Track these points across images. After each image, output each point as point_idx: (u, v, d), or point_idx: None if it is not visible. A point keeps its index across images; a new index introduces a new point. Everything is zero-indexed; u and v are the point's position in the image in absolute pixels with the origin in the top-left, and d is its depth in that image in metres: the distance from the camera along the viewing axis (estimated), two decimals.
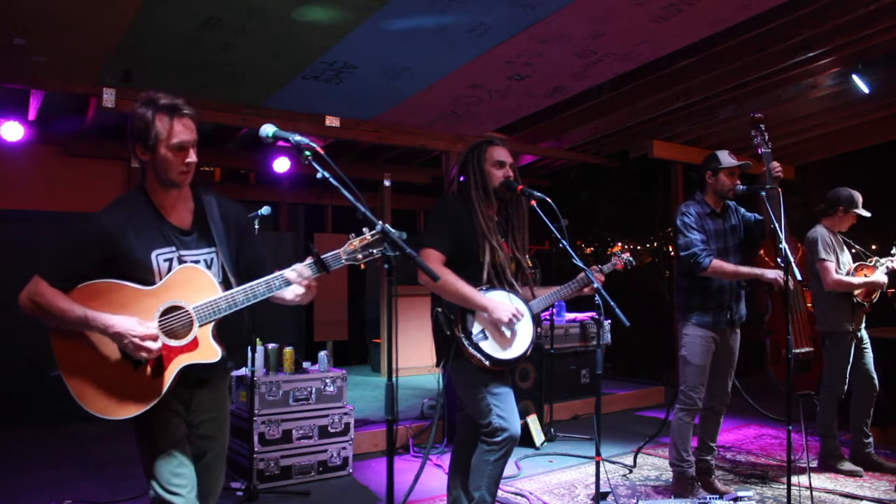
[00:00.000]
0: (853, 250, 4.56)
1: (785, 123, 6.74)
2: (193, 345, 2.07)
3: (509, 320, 2.79)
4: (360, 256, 2.08)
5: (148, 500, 2.17)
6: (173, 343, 2.06)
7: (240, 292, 2.10)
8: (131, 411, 2.04)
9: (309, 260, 2.13)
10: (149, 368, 2.04)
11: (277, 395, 4.30)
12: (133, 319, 2.01)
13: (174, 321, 2.07)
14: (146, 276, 2.07)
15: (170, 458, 2.11)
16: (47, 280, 2.03)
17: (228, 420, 2.42)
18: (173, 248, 2.12)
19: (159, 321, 2.05)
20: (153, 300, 2.06)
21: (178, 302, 2.07)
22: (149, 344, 1.99)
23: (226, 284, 2.19)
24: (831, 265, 4.32)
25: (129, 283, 2.05)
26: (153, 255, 2.08)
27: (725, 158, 3.85)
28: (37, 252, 5.90)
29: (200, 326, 2.07)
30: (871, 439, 4.50)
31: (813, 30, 4.62)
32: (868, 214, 4.47)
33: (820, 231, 4.43)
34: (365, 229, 2.10)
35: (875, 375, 4.46)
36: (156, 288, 2.07)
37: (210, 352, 2.09)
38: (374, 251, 2.08)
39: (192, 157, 2.10)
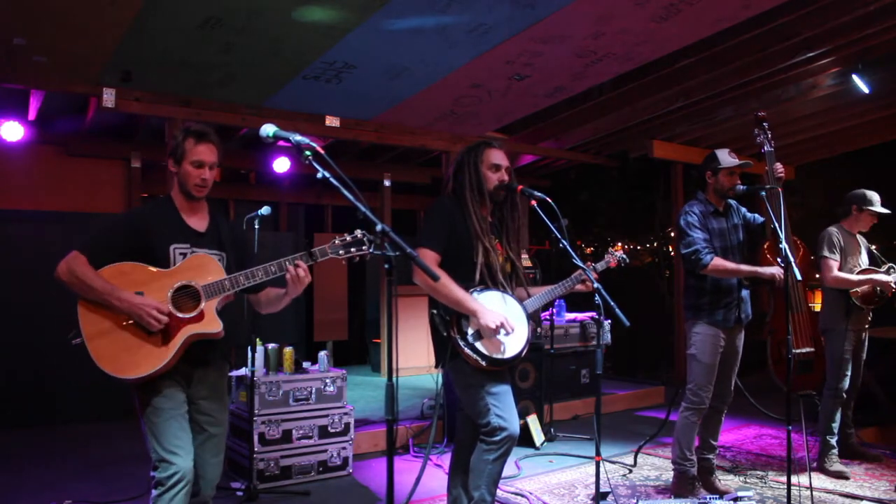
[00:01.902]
0: (866, 253, 4.58)
1: (785, 123, 6.74)
2: (200, 317, 2.43)
3: (496, 328, 2.77)
4: (341, 252, 2.46)
5: (147, 501, 2.26)
6: (183, 315, 2.40)
7: (241, 275, 2.47)
8: (144, 370, 2.34)
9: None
10: (160, 334, 2.38)
11: (277, 395, 4.30)
12: (148, 298, 2.37)
13: (185, 296, 2.43)
14: (162, 265, 2.46)
15: (171, 421, 2.41)
16: (85, 254, 2.38)
17: (227, 407, 2.71)
18: (188, 245, 2.52)
19: (172, 297, 2.41)
20: (168, 279, 2.43)
21: (189, 281, 2.44)
22: (157, 314, 2.33)
23: None
24: (832, 262, 4.38)
25: (148, 265, 2.44)
26: (171, 247, 2.48)
27: (725, 158, 3.84)
28: (37, 252, 5.91)
29: (207, 301, 2.43)
30: (853, 430, 4.69)
31: (813, 30, 4.63)
32: (885, 211, 4.51)
33: (830, 230, 4.50)
34: (347, 235, 2.45)
35: (860, 372, 4.59)
36: (171, 270, 2.46)
37: (213, 323, 2.45)
38: (353, 250, 2.45)
39: (207, 175, 2.53)
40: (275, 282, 2.57)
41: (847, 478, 4.25)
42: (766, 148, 3.75)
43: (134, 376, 2.33)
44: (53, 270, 2.36)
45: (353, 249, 2.46)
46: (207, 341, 2.47)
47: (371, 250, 2.44)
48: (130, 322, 2.36)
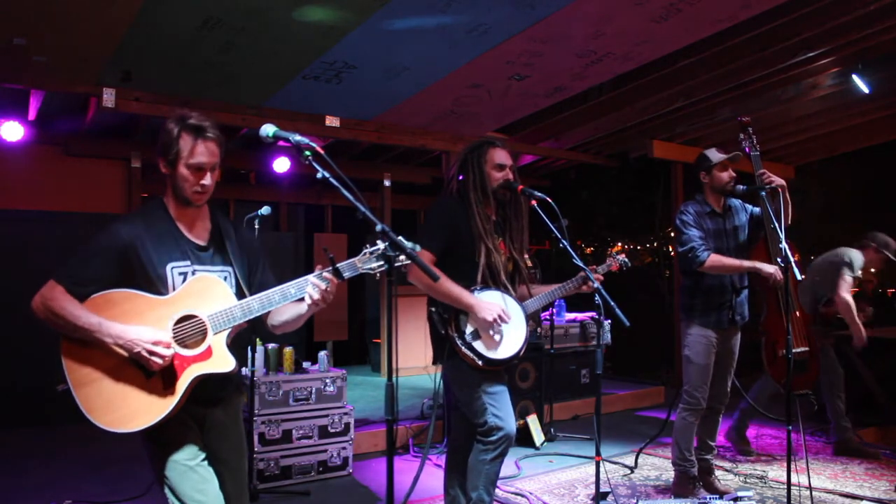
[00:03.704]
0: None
1: (785, 123, 6.74)
2: (207, 354, 2.04)
3: (493, 321, 2.78)
4: (374, 266, 2.08)
5: (147, 500, 2.16)
6: (187, 353, 2.03)
7: (255, 300, 2.08)
8: (144, 422, 1.99)
9: (318, 269, 2.11)
10: (161, 378, 2.00)
11: (277, 395, 4.30)
12: (144, 328, 1.99)
13: (188, 330, 2.05)
14: (160, 288, 2.06)
15: (190, 474, 2.05)
16: (62, 284, 2.00)
17: (245, 444, 2.36)
18: (188, 263, 2.12)
19: (173, 330, 2.03)
20: (167, 309, 2.04)
21: (192, 311, 2.05)
22: (161, 350, 1.96)
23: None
24: (848, 283, 4.64)
25: (143, 292, 2.04)
26: (168, 267, 2.08)
27: (715, 155, 3.87)
28: (37, 252, 5.90)
29: (215, 335, 2.05)
30: (849, 424, 4.88)
31: (813, 30, 4.62)
32: None
33: (856, 254, 4.78)
34: (378, 241, 2.07)
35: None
36: (170, 297, 2.05)
37: (224, 361, 2.05)
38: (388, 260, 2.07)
39: (208, 180, 2.11)
40: None
41: (879, 458, 4.60)
42: (751, 151, 3.75)
43: (132, 430, 1.99)
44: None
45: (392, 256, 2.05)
46: (219, 377, 2.10)
47: (409, 253, 2.04)
48: (124, 363, 1.99)
